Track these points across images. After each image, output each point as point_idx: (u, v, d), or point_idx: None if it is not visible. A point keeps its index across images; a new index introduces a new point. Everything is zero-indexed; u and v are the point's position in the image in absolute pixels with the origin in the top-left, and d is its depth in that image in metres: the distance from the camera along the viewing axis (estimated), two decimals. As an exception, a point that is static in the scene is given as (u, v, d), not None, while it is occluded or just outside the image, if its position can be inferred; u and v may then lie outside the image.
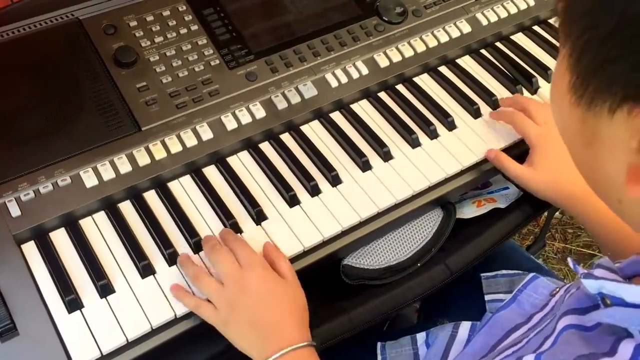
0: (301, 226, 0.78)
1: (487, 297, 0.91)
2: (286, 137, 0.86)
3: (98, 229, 0.75)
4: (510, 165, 0.84)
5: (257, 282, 0.68)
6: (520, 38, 1.03)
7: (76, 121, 0.78)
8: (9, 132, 0.76)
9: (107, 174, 0.76)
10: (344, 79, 0.90)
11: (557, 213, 1.83)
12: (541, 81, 0.96)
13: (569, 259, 0.56)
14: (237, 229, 0.76)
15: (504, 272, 0.93)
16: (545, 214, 1.74)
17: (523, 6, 1.03)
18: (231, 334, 0.68)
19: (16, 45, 0.83)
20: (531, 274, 0.76)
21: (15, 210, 0.72)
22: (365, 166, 0.84)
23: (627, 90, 0.37)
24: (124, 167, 0.77)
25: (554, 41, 1.02)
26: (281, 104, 0.86)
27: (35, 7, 0.87)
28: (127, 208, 0.77)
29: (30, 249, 0.72)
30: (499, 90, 0.95)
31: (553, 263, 1.80)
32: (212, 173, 0.82)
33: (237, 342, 0.68)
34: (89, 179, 0.76)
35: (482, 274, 0.93)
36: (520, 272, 0.92)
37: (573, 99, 0.42)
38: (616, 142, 0.40)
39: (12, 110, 0.77)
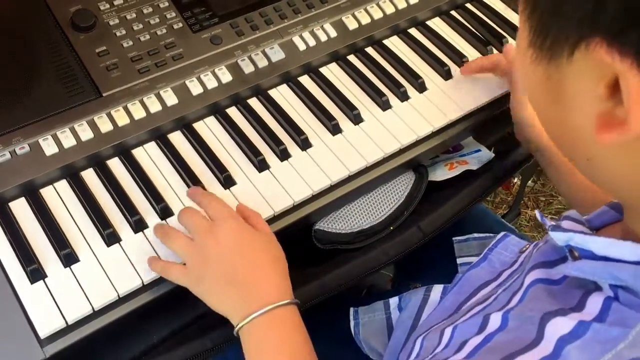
0: (271, 191, 0.76)
1: (459, 260, 0.91)
2: (254, 102, 0.84)
3: (60, 197, 0.72)
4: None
5: (230, 233, 0.65)
6: (489, -1, 1.02)
7: (33, 88, 0.75)
8: (-39, 99, 0.73)
9: (68, 141, 0.74)
10: (312, 42, 0.88)
11: (529, 182, 1.84)
12: (512, 41, 0.95)
13: (536, 212, 0.55)
14: (205, 194, 0.74)
15: (476, 235, 0.93)
16: (518, 183, 1.75)
17: (492, -34, 1.02)
18: (206, 294, 0.64)
19: (-33, 9, 0.79)
20: (502, 233, 0.76)
21: (-29, 180, 0.69)
22: (335, 129, 0.82)
23: (582, 26, 0.35)
24: (85, 134, 0.75)
25: (523, 1, 1.01)
26: (248, 68, 0.84)
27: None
28: (89, 176, 0.75)
29: (-11, 220, 0.69)
30: (469, 52, 0.94)
31: (526, 231, 1.81)
32: (177, 139, 0.79)
33: (214, 302, 0.64)
34: (49, 147, 0.73)
35: (454, 238, 0.93)
36: (492, 235, 0.92)
37: (534, 55, 0.41)
38: (582, 93, 0.38)
39: (-36, 76, 0.74)
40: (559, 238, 0.47)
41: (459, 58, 0.92)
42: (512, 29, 0.96)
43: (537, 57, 0.41)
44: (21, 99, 0.74)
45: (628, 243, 0.41)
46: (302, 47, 0.88)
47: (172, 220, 0.72)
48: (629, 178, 0.40)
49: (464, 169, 0.90)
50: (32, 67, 0.76)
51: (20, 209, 0.71)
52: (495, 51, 0.94)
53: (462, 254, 0.92)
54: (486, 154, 0.92)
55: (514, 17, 0.99)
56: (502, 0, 1.02)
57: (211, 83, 0.82)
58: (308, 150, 0.80)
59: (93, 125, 0.75)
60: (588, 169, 0.44)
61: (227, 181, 0.76)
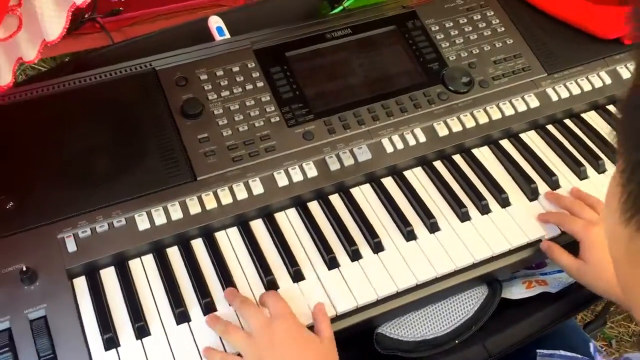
0: (336, 290, 0.78)
1: None
2: (335, 198, 0.88)
3: (144, 271, 0.79)
4: (561, 257, 0.82)
5: (286, 335, 0.68)
6: (592, 117, 1.00)
7: (138, 166, 0.84)
8: (77, 171, 0.82)
9: (160, 219, 0.81)
10: (400, 145, 0.91)
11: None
12: (608, 164, 0.92)
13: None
14: (274, 285, 0.78)
15: (562, 353, 0.89)
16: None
17: (598, 84, 1.00)
18: None
19: (95, 90, 0.90)
20: None
21: (71, 246, 0.77)
22: (409, 236, 0.83)
23: None
24: (176, 214, 0.81)
25: (628, 122, 0.98)
26: (334, 165, 0.88)
27: (118, 55, 0.95)
28: (173, 253, 0.81)
29: (81, 284, 0.77)
30: (562, 170, 0.92)
31: (627, 347, 1.68)
32: (258, 227, 0.84)
33: None
34: (142, 223, 0.80)
35: (538, 351, 0.89)
36: (579, 356, 0.87)
37: (623, 217, 0.41)
38: None
39: (82, 150, 0.84)
40: None
41: (549, 176, 0.90)
42: (611, 150, 0.94)
43: (625, 220, 0.41)
44: (126, 175, 0.83)
45: None
46: (389, 149, 0.90)
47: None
48: None
49: (542, 290, 0.87)
50: (140, 147, 0.85)
51: (109, 277, 0.78)
52: (589, 172, 0.91)
53: None
54: (568, 276, 0.89)
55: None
56: (604, 119, 0.99)
57: (297, 176, 0.86)
58: (380, 253, 0.82)
59: (184, 207, 0.82)
60: None
61: (297, 275, 0.79)
